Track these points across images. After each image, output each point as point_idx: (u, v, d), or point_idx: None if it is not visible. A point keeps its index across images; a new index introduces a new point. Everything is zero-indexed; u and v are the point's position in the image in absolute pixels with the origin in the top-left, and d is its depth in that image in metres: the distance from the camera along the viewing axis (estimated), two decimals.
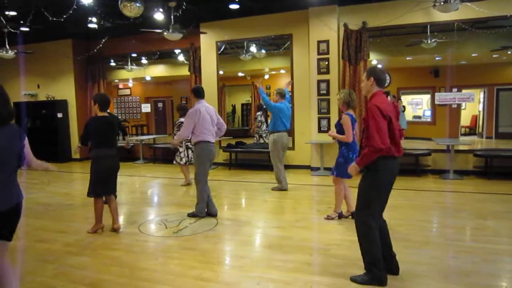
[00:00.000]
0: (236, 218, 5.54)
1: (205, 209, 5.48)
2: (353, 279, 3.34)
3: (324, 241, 4.36)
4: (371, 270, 3.26)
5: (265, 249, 4.31)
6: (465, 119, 14.71)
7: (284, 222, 5.23)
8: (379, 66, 3.77)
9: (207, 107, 5.43)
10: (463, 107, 14.08)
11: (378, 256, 3.25)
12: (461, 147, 8.59)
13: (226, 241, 4.67)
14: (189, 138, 5.57)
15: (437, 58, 11.70)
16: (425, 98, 15.05)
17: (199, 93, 5.49)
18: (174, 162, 7.84)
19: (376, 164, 3.18)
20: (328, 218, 5.18)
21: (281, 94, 7.11)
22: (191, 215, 5.48)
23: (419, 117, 15.28)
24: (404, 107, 13.95)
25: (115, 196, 5.07)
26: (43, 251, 4.30)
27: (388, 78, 3.42)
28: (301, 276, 3.49)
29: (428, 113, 14.88)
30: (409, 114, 14.78)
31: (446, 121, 12.31)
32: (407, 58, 11.62)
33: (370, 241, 3.25)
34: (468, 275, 3.43)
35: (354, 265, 3.61)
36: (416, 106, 15.43)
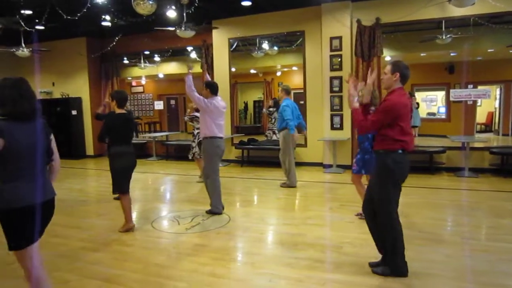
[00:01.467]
0: (248, 215, 5.54)
1: (220, 204, 5.47)
2: (375, 272, 3.38)
3: (336, 239, 4.34)
4: (394, 261, 3.30)
5: (277, 246, 4.31)
6: (480, 116, 14.46)
7: (297, 219, 5.22)
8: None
9: (219, 102, 5.41)
10: (478, 104, 13.85)
11: (402, 247, 3.31)
12: (477, 145, 8.46)
13: (238, 237, 4.68)
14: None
15: (452, 54, 11.52)
16: (440, 94, 14.83)
17: (215, 90, 5.43)
18: (190, 157, 7.83)
19: (390, 162, 3.21)
20: (359, 215, 5.08)
21: (287, 91, 7.09)
22: (208, 212, 5.48)
23: (434, 114, 15.08)
24: (418, 103, 13.77)
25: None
26: (58, 246, 4.37)
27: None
28: (314, 274, 3.48)
29: (443, 110, 14.68)
30: (423, 111, 14.60)
31: (461, 118, 12.12)
32: (421, 54, 11.46)
33: (396, 232, 3.30)
34: (484, 274, 3.38)
35: (367, 263, 3.58)
36: (431, 102, 15.22)
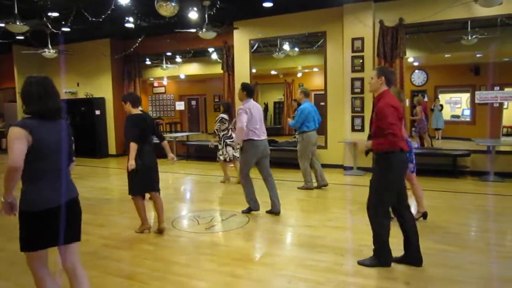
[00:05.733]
0: (268, 216, 5.54)
1: (254, 201, 5.58)
2: (361, 263, 3.61)
3: (356, 242, 4.29)
4: (381, 253, 3.55)
5: (297, 248, 4.29)
6: (507, 119, 14.06)
7: (316, 221, 5.18)
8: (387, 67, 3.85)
9: (255, 105, 5.46)
10: (505, 106, 13.47)
11: (388, 247, 3.54)
12: (503, 148, 8.22)
13: (257, 238, 4.68)
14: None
15: (477, 55, 11.26)
16: (464, 96, 14.50)
17: (251, 92, 5.49)
18: (217, 159, 7.86)
19: (393, 160, 3.39)
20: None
21: (305, 93, 7.08)
22: (245, 211, 5.61)
23: (458, 116, 14.75)
24: (441, 106, 13.52)
25: (159, 193, 4.93)
26: (82, 243, 4.38)
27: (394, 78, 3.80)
28: (334, 276, 3.45)
29: (467, 112, 14.34)
30: (447, 113, 14.30)
31: (487, 120, 11.82)
32: (446, 55, 11.24)
33: (383, 230, 3.53)
34: (510, 282, 3.29)
35: (387, 267, 3.52)
36: (455, 105, 14.89)
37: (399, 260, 3.61)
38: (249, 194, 5.55)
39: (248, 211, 5.57)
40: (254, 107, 5.40)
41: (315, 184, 7.09)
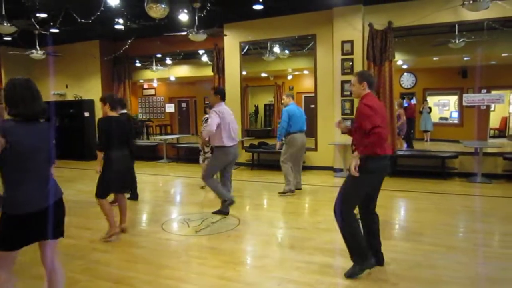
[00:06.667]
0: (258, 218, 5.54)
1: (225, 192, 5.55)
2: (348, 275, 3.44)
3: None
4: (360, 261, 3.42)
5: (287, 250, 4.30)
6: (494, 121, 14.27)
7: (306, 223, 5.20)
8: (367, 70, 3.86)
9: (227, 110, 5.50)
10: (492, 109, 13.67)
11: (364, 245, 3.44)
12: (490, 150, 8.35)
13: (247, 241, 4.68)
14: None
15: (465, 58, 11.39)
16: (452, 99, 14.69)
17: (224, 97, 5.57)
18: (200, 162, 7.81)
19: (369, 165, 3.30)
20: None
21: (292, 96, 7.13)
22: (218, 212, 5.57)
23: (446, 118, 14.93)
24: (430, 108, 13.67)
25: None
26: (70, 247, 4.41)
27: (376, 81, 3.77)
28: (323, 278, 3.46)
29: (455, 114, 14.52)
30: (435, 116, 14.47)
31: (474, 123, 11.97)
32: (434, 58, 11.37)
33: (355, 235, 3.42)
34: (496, 282, 3.33)
35: (376, 268, 3.55)
36: (443, 107, 15.08)
37: None
38: (219, 189, 5.54)
39: (221, 212, 5.54)
40: (226, 111, 5.46)
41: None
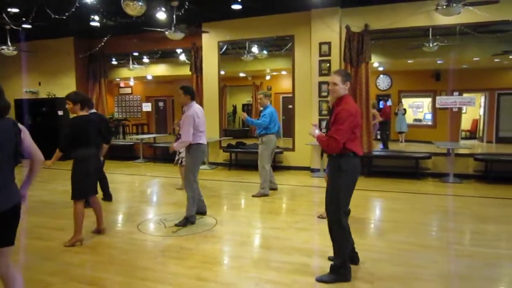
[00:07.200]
0: (235, 218, 5.53)
1: (194, 212, 5.28)
2: (320, 279, 3.40)
3: (323, 243, 4.34)
4: (340, 270, 3.39)
5: (264, 250, 4.31)
6: (465, 123, 14.71)
7: (283, 223, 5.22)
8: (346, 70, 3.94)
9: (199, 109, 5.36)
10: (464, 111, 14.09)
11: (347, 256, 3.44)
12: (462, 151, 8.59)
13: (224, 241, 4.66)
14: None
15: (438, 62, 11.71)
16: (426, 101, 15.07)
17: (194, 95, 5.37)
18: (177, 163, 7.65)
19: (344, 165, 3.34)
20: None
21: (269, 97, 7.16)
22: (180, 224, 5.12)
23: (420, 120, 15.29)
24: (405, 110, 13.97)
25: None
26: (42, 249, 4.29)
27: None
28: (300, 278, 3.48)
29: (429, 116, 14.90)
30: (409, 117, 14.79)
31: (447, 124, 12.31)
32: (409, 61, 11.63)
33: (345, 242, 3.42)
34: (468, 279, 3.43)
35: (353, 267, 3.59)
36: (417, 109, 15.44)
37: None
38: (192, 202, 5.24)
39: (184, 224, 5.11)
40: (199, 110, 5.32)
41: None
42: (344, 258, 3.40)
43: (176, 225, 5.11)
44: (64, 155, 4.51)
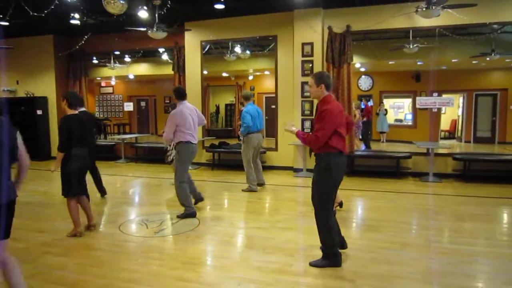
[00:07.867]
0: (218, 218, 5.52)
1: (191, 206, 5.49)
2: (313, 264, 3.68)
3: (305, 242, 4.38)
4: (330, 255, 3.66)
5: (247, 250, 4.31)
6: (444, 123, 15.02)
7: (266, 223, 5.24)
8: (325, 71, 4.12)
9: (189, 108, 5.46)
10: (443, 112, 14.39)
11: (336, 242, 3.70)
12: (441, 151, 8.77)
13: (207, 241, 4.64)
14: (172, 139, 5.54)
15: (418, 63, 11.91)
16: (407, 102, 15.32)
17: (182, 95, 5.50)
18: (166, 161, 7.68)
19: (330, 162, 3.51)
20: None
21: (245, 97, 7.25)
22: (181, 216, 5.41)
23: (401, 120, 15.54)
24: (386, 110, 14.17)
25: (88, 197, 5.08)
26: (21, 251, 4.20)
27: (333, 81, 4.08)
28: (283, 277, 3.50)
29: (410, 116, 15.14)
30: (390, 117, 15.02)
31: (427, 125, 12.55)
32: (390, 62, 11.79)
33: (331, 233, 3.66)
34: (445, 276, 3.50)
35: (334, 268, 3.64)
36: (398, 109, 15.69)
37: None
38: (187, 199, 5.46)
39: (184, 216, 5.40)
40: (188, 109, 5.41)
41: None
42: (334, 243, 3.65)
43: (177, 216, 5.42)
44: (64, 155, 4.59)
